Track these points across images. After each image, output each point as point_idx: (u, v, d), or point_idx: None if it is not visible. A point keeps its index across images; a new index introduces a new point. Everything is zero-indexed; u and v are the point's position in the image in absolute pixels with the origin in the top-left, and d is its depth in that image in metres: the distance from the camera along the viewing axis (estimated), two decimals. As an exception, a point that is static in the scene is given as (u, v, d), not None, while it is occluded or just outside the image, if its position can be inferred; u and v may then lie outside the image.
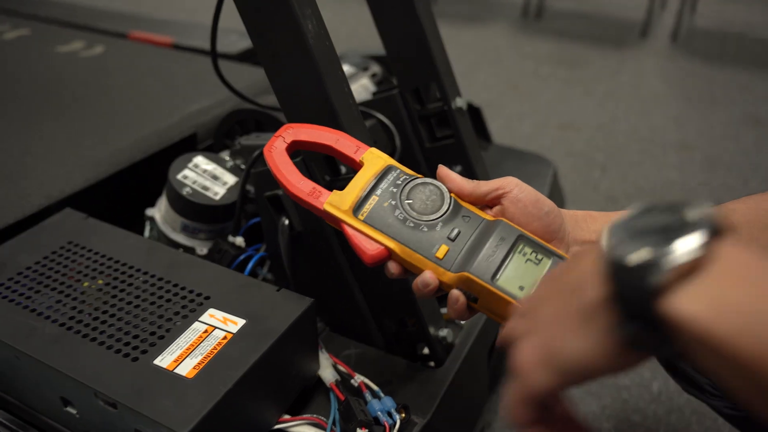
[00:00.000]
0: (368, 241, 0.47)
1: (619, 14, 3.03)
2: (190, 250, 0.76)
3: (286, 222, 0.70)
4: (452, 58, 0.89)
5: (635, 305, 0.28)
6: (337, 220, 0.49)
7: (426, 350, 0.72)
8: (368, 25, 0.84)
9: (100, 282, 0.63)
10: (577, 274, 0.33)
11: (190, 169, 0.75)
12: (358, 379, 0.65)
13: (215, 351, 0.55)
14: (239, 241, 0.74)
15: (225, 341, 0.56)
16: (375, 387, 0.64)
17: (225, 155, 0.81)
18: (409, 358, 0.72)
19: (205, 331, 0.57)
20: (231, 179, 0.77)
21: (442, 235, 0.47)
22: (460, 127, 0.84)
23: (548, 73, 2.34)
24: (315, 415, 0.62)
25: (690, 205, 0.29)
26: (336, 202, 0.49)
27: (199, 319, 0.58)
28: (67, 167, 0.84)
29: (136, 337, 0.56)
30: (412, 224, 0.48)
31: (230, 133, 0.92)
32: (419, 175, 0.51)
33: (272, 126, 0.88)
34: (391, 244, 0.47)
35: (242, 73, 1.14)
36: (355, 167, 0.52)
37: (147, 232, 0.79)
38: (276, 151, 0.52)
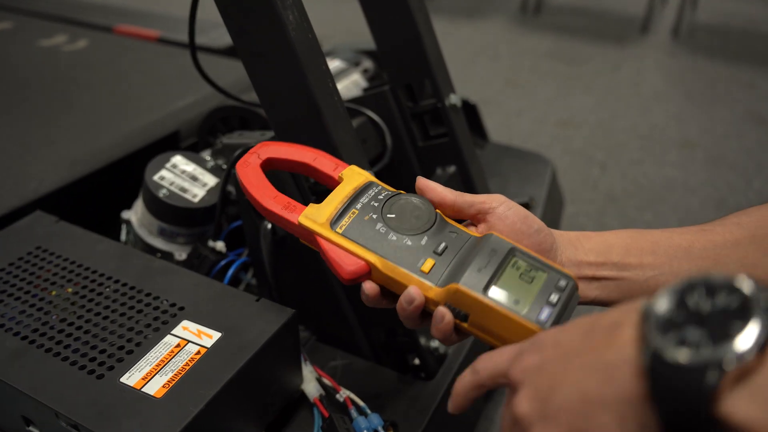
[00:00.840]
0: (347, 255, 0.44)
1: (619, 9, 2.99)
2: (167, 255, 0.72)
3: (269, 226, 0.66)
4: (449, 53, 0.85)
5: (683, 409, 0.23)
6: (313, 235, 0.45)
7: (416, 361, 0.68)
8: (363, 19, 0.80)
9: (69, 291, 0.59)
10: (612, 356, 0.27)
11: (167, 169, 0.71)
12: (344, 393, 0.61)
13: (187, 367, 0.51)
14: (220, 245, 0.70)
15: (198, 356, 0.52)
16: (361, 403, 0.60)
17: (206, 155, 0.77)
18: (398, 369, 0.68)
19: (178, 345, 0.53)
20: (211, 180, 0.73)
21: (428, 249, 0.44)
22: (454, 125, 0.80)
23: (547, 69, 2.30)
24: (296, 433, 0.58)
25: (737, 280, 0.25)
26: (312, 215, 0.46)
27: (172, 332, 0.54)
28: (41, 166, 0.80)
29: (103, 351, 0.52)
30: (394, 237, 0.44)
31: (213, 131, 0.88)
32: (401, 191, 0.48)
33: (257, 123, 0.84)
34: (372, 258, 0.43)
35: (228, 68, 1.10)
36: (333, 186, 0.49)
37: (123, 236, 0.75)
38: (249, 167, 0.50)
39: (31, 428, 0.52)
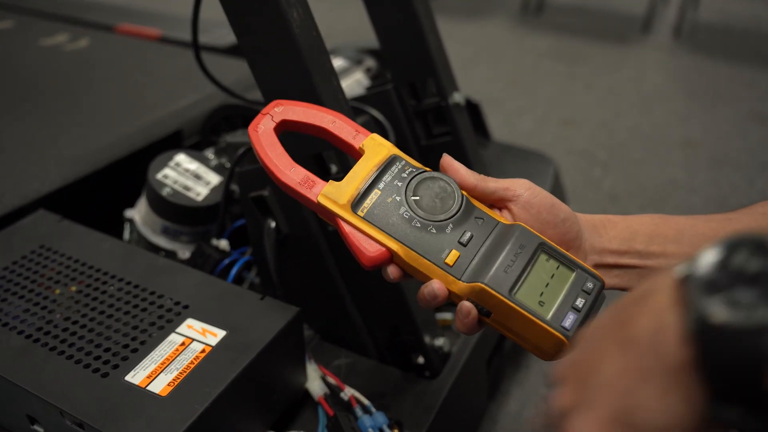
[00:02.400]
0: (368, 241, 0.42)
1: (620, 9, 2.99)
2: (171, 254, 0.72)
3: (273, 224, 0.66)
4: (451, 52, 0.84)
5: (736, 376, 0.22)
6: (333, 215, 0.43)
7: (421, 359, 0.68)
8: (365, 17, 0.80)
9: (73, 289, 0.59)
10: (649, 324, 0.25)
11: (170, 167, 0.71)
12: (349, 392, 0.61)
13: (192, 366, 0.50)
14: (223, 244, 0.70)
15: (203, 355, 0.52)
16: (366, 401, 0.60)
17: (209, 153, 0.77)
18: (403, 368, 0.68)
19: (182, 344, 0.52)
20: (215, 179, 0.72)
21: (453, 239, 0.42)
22: (457, 124, 0.80)
23: (549, 69, 2.30)
24: (301, 432, 0.58)
25: None
26: (332, 195, 0.42)
27: (176, 330, 0.54)
28: (43, 165, 0.80)
29: (107, 350, 0.52)
30: (418, 224, 0.42)
31: (216, 130, 0.88)
32: (427, 168, 0.45)
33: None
34: (395, 246, 0.41)
35: (231, 67, 1.10)
36: (353, 155, 0.46)
37: (127, 235, 0.75)
38: (263, 131, 0.45)
39: (35, 427, 0.52)
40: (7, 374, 0.50)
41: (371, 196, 0.43)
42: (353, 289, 0.67)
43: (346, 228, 0.42)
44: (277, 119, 0.46)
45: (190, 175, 0.71)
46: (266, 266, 0.67)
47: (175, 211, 0.69)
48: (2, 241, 0.64)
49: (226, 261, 0.70)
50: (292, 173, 0.44)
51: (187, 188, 0.70)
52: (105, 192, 0.82)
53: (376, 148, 0.45)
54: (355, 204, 0.42)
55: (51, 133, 0.88)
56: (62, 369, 0.50)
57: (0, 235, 0.65)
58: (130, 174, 0.84)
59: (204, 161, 0.74)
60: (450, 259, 0.41)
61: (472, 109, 1.10)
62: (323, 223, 0.65)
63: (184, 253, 0.71)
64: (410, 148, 0.83)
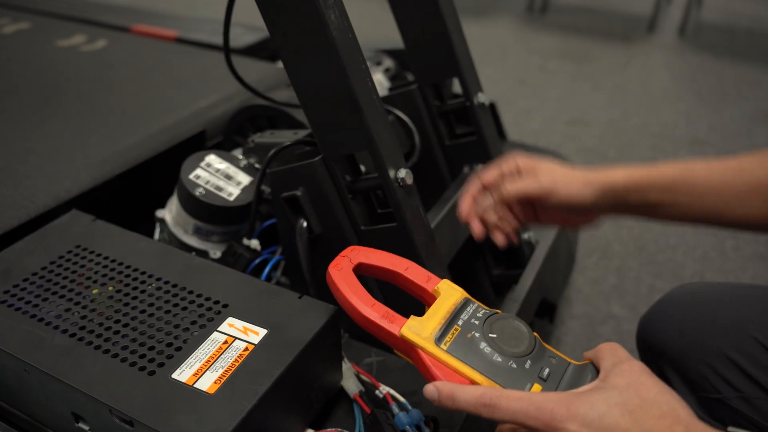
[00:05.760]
0: (451, 373, 0.44)
1: (625, 8, 3.00)
2: (202, 254, 0.72)
3: (305, 224, 0.66)
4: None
5: None
6: (414, 348, 0.46)
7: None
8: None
9: (111, 288, 0.59)
10: None
11: (202, 168, 0.71)
12: (384, 389, 0.62)
13: (237, 363, 0.51)
14: (255, 243, 0.71)
15: (247, 353, 0.52)
16: (402, 399, 0.61)
17: (237, 153, 0.78)
18: (432, 365, 0.69)
19: (225, 342, 0.53)
20: (245, 179, 0.73)
21: (533, 374, 0.44)
22: (482, 124, 0.81)
23: (555, 68, 2.31)
24: (339, 429, 0.59)
25: None
26: (415, 329, 0.46)
27: (218, 329, 0.55)
28: (72, 166, 0.81)
29: (151, 348, 0.52)
30: (499, 359, 0.45)
31: (240, 130, 0.89)
32: (497, 311, 0.49)
33: (285, 123, 0.84)
34: (478, 378, 0.44)
35: (248, 67, 1.11)
36: (425, 297, 0.51)
37: (157, 235, 0.76)
38: (343, 271, 0.50)
39: (80, 425, 0.53)
40: (53, 372, 0.50)
41: (451, 332, 0.46)
42: (383, 287, 0.68)
43: (429, 360, 0.45)
44: (355, 261, 0.51)
45: (221, 176, 0.72)
46: (296, 265, 0.68)
47: (208, 211, 0.70)
48: (38, 242, 0.65)
49: (257, 260, 0.70)
50: (373, 309, 0.48)
51: (219, 188, 0.70)
52: (133, 192, 0.83)
53: (449, 291, 0.49)
54: (438, 338, 0.46)
55: (77, 134, 0.89)
56: (109, 367, 0.51)
57: (35, 235, 0.66)
58: (156, 174, 0.85)
59: (234, 161, 0.74)
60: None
61: (489, 108, 1.10)
62: (356, 223, 0.65)
63: (215, 252, 0.72)
64: (434, 148, 0.84)
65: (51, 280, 0.60)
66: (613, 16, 2.91)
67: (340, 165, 0.65)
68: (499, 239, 0.65)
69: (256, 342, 0.53)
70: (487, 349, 0.45)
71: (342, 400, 0.62)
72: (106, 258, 0.63)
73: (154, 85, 1.07)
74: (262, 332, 0.54)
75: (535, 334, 0.47)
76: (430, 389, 0.43)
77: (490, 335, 0.46)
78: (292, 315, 0.56)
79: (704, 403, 0.54)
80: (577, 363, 0.46)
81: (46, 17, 1.38)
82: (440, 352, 0.45)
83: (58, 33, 1.28)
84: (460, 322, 0.47)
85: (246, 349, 0.53)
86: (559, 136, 1.82)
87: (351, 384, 0.62)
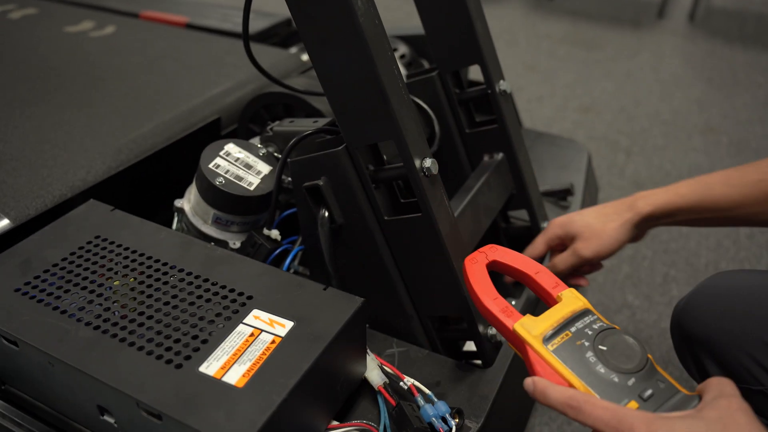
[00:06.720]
0: (551, 373, 0.46)
1: (633, -7, 2.96)
2: (222, 244, 0.71)
3: (326, 214, 0.65)
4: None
5: None
6: (523, 343, 0.48)
7: (471, 348, 0.68)
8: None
9: (133, 280, 0.58)
10: None
11: (221, 157, 0.70)
12: (408, 381, 0.61)
13: (264, 356, 0.51)
14: (275, 233, 0.70)
15: (274, 345, 0.52)
16: (427, 390, 0.60)
17: (256, 142, 0.76)
18: (454, 356, 0.68)
19: (251, 335, 0.53)
20: (265, 168, 0.72)
21: (634, 391, 0.44)
22: (503, 112, 0.80)
23: (565, 55, 2.28)
24: (364, 421, 0.58)
25: None
26: (527, 326, 0.48)
27: (244, 321, 0.54)
28: (87, 155, 0.79)
29: (177, 341, 0.52)
30: (602, 370, 0.45)
31: (255, 118, 0.87)
32: (616, 326, 0.49)
33: (302, 111, 0.83)
34: (576, 383, 0.44)
35: (260, 54, 1.08)
36: (549, 302, 0.52)
37: (175, 224, 0.75)
38: (477, 265, 0.54)
39: (105, 417, 0.52)
40: (79, 365, 0.50)
41: (562, 335, 0.48)
42: (407, 279, 0.67)
43: (534, 356, 0.47)
44: (490, 258, 0.55)
45: (240, 165, 0.71)
46: (316, 255, 0.67)
47: (229, 201, 0.69)
48: (57, 232, 0.64)
49: (278, 250, 0.69)
50: (495, 302, 0.51)
51: (239, 178, 0.69)
52: (149, 181, 0.82)
53: (572, 299, 0.51)
54: (547, 338, 0.47)
55: (91, 122, 0.88)
56: (135, 360, 0.50)
57: (54, 225, 0.65)
58: (172, 163, 0.84)
59: (253, 150, 0.73)
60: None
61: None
62: (379, 213, 0.64)
63: (235, 243, 0.71)
64: (454, 136, 0.83)
65: (72, 272, 0.59)
66: (622, 2, 2.88)
67: (364, 154, 0.63)
68: None
69: (282, 334, 0.53)
70: (592, 359, 0.46)
71: (364, 392, 0.62)
72: (126, 249, 0.62)
73: (166, 72, 1.05)
74: (289, 324, 0.54)
75: (650, 356, 0.47)
76: (528, 382, 0.45)
77: (600, 347, 0.47)
78: (317, 307, 0.55)
79: (745, 395, 0.54)
80: (687, 393, 0.45)
81: (53, 2, 1.36)
82: (545, 351, 0.47)
83: (65, 19, 1.26)
84: (573, 329, 0.48)
85: (273, 341, 0.52)
86: (570, 123, 1.80)
87: (375, 375, 0.61)
